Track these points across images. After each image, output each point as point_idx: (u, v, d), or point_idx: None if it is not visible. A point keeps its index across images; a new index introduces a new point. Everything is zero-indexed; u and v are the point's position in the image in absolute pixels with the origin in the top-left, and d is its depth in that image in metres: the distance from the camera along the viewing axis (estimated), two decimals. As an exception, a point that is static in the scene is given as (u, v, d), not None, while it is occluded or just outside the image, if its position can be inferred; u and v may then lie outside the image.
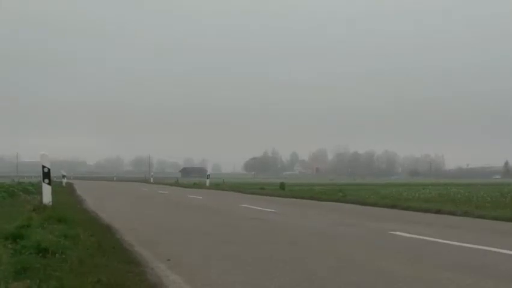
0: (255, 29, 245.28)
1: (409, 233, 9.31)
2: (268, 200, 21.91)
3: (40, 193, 13.87)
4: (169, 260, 6.72)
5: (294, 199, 22.24)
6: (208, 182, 41.76)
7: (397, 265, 6.27)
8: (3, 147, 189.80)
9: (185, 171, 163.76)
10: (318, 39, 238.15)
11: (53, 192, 12.99)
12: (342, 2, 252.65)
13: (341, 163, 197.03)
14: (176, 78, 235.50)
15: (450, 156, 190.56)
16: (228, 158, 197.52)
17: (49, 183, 12.31)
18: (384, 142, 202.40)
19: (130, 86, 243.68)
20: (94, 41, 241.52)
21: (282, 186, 31.52)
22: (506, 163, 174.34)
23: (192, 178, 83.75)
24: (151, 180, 61.66)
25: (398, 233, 9.40)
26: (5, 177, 60.77)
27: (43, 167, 12.16)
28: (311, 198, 22.05)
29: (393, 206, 16.16)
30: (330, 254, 7.18)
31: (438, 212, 14.04)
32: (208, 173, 45.49)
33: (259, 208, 16.35)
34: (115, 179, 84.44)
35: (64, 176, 43.51)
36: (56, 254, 6.10)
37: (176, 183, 50.67)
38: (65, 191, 27.44)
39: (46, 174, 12.20)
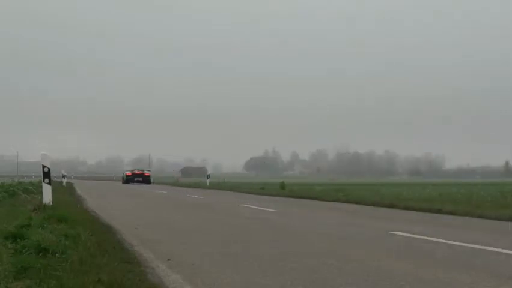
0: (256, 30, 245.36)
1: (409, 232, 9.30)
2: (269, 199, 21.90)
3: (40, 193, 13.87)
4: (169, 259, 6.71)
5: (294, 199, 22.24)
6: (208, 181, 41.77)
7: (397, 264, 6.27)
8: (3, 147, 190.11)
9: (186, 170, 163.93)
10: (318, 39, 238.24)
11: (54, 192, 13.00)
12: (342, 2, 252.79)
13: (341, 163, 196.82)
14: (177, 78, 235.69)
15: (450, 156, 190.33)
16: (229, 158, 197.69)
17: (49, 183, 12.31)
18: (384, 141, 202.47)
19: (131, 86, 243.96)
20: (94, 41, 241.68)
21: (283, 186, 31.51)
22: (507, 163, 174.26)
23: (193, 178, 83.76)
24: (151, 180, 61.64)
25: (397, 232, 9.40)
26: (5, 177, 60.85)
27: (43, 166, 12.16)
28: (311, 198, 22.04)
29: (393, 206, 16.14)
30: (330, 253, 7.18)
31: (438, 211, 14.03)
32: (208, 173, 45.50)
33: (259, 208, 16.35)
34: (115, 178, 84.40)
35: (64, 176, 43.52)
36: (57, 254, 6.09)
37: (177, 183, 50.65)
38: (65, 191, 27.43)
39: (46, 174, 12.20)
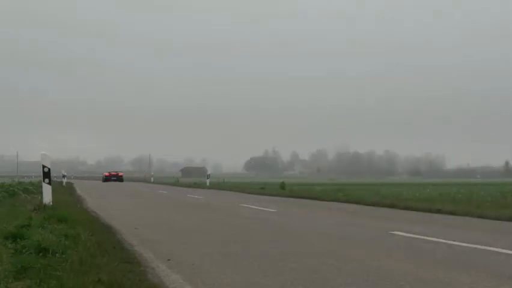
0: (256, 30, 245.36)
1: (409, 232, 9.30)
2: (269, 199, 21.90)
3: (40, 193, 13.87)
4: (169, 259, 6.72)
5: (294, 199, 22.23)
6: (208, 181, 41.75)
7: (397, 264, 6.27)
8: (3, 147, 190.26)
9: (186, 170, 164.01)
10: (318, 39, 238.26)
11: (54, 192, 13.00)
12: (341, 2, 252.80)
13: (341, 163, 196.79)
14: (177, 78, 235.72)
15: (450, 156, 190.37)
16: (229, 158, 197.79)
17: (49, 183, 12.31)
18: (384, 141, 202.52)
19: (131, 86, 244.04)
20: (94, 41, 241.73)
21: (283, 186, 31.51)
22: (507, 163, 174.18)
23: (193, 178, 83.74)
24: (151, 180, 61.90)
25: (397, 232, 9.40)
26: (5, 177, 60.93)
27: (43, 166, 12.16)
28: (311, 198, 22.03)
29: (393, 206, 16.13)
30: (330, 253, 7.18)
31: (438, 211, 14.02)
32: (208, 173, 45.47)
33: (259, 208, 16.35)
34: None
35: (64, 176, 43.51)
36: (57, 254, 6.10)
37: (177, 183, 50.68)
38: (65, 191, 27.44)
39: (46, 174, 12.20)
